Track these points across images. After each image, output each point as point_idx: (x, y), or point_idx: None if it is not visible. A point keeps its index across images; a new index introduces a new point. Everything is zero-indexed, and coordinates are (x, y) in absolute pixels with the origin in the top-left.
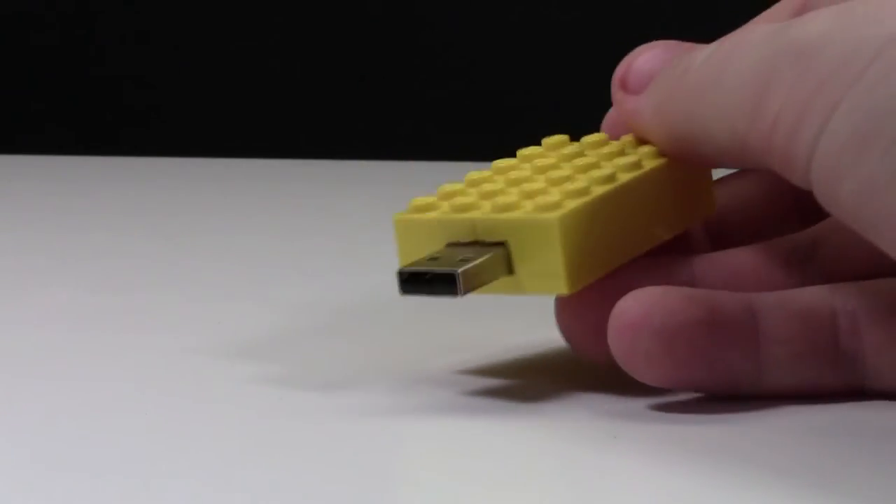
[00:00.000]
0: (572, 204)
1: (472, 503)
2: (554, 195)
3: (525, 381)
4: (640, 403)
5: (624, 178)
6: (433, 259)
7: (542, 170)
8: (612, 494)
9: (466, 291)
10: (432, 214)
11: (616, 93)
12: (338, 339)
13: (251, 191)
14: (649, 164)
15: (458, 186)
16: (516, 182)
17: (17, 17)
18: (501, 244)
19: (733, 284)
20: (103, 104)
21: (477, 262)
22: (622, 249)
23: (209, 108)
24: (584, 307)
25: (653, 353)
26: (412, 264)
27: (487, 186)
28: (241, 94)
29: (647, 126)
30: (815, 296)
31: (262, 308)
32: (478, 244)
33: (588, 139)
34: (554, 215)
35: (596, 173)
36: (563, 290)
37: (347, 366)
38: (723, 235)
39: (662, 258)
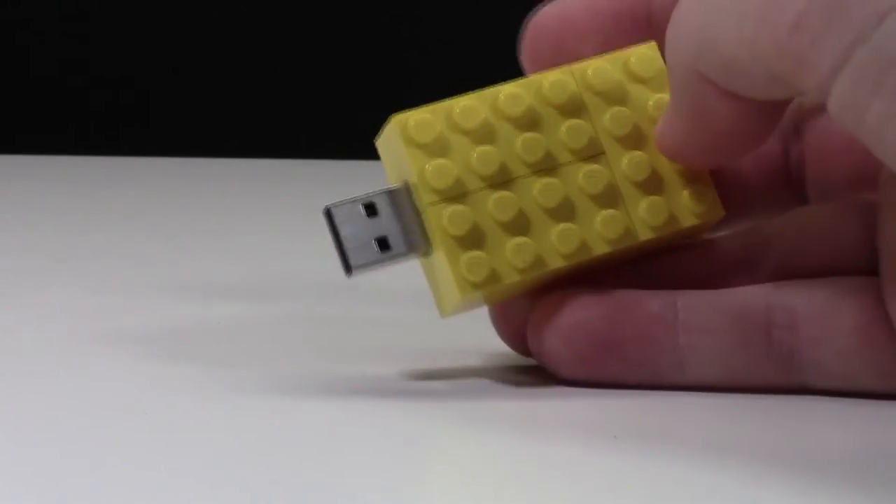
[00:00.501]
0: (494, 285)
1: None
2: (496, 250)
3: (524, 380)
4: (639, 403)
5: (579, 256)
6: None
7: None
8: (612, 494)
9: (355, 273)
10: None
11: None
12: (338, 339)
13: (251, 191)
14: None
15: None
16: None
17: (17, 18)
18: (424, 244)
19: (682, 282)
20: (103, 104)
21: (376, 264)
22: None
23: (209, 109)
24: (512, 310)
25: (556, 350)
26: (340, 207)
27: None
28: (241, 94)
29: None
30: (748, 292)
31: (262, 308)
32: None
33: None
34: (460, 295)
35: (567, 239)
36: (441, 314)
37: (353, 367)
38: None
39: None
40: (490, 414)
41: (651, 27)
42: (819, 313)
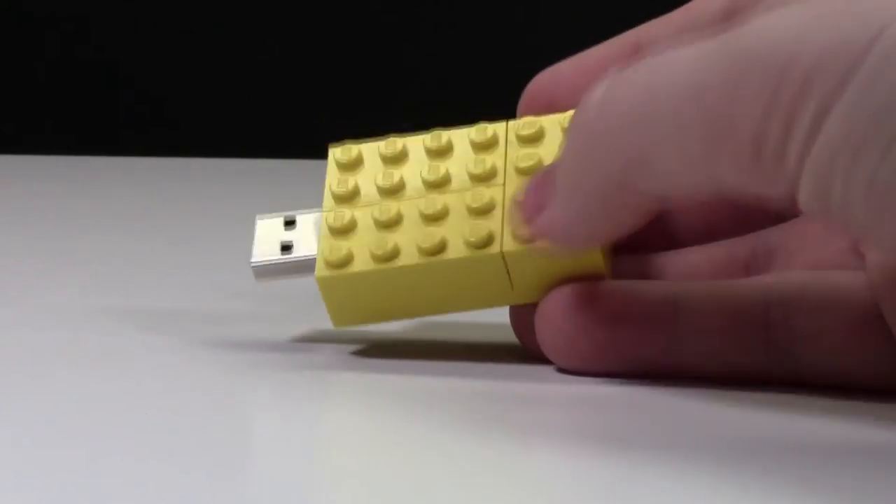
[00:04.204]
0: (351, 268)
1: None
2: (362, 241)
3: (522, 378)
4: (638, 403)
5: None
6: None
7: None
8: (612, 494)
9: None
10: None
11: (520, 231)
12: (339, 340)
13: (251, 191)
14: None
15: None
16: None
17: (16, 18)
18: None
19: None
20: (103, 104)
21: (276, 262)
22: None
23: (209, 109)
24: (526, 311)
25: (555, 341)
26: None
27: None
28: (241, 94)
29: (568, 219)
30: (746, 286)
31: (262, 308)
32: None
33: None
34: (316, 275)
35: (428, 234)
36: (333, 324)
37: (353, 366)
38: (678, 234)
39: (617, 257)
40: (490, 415)
41: None
42: (815, 308)
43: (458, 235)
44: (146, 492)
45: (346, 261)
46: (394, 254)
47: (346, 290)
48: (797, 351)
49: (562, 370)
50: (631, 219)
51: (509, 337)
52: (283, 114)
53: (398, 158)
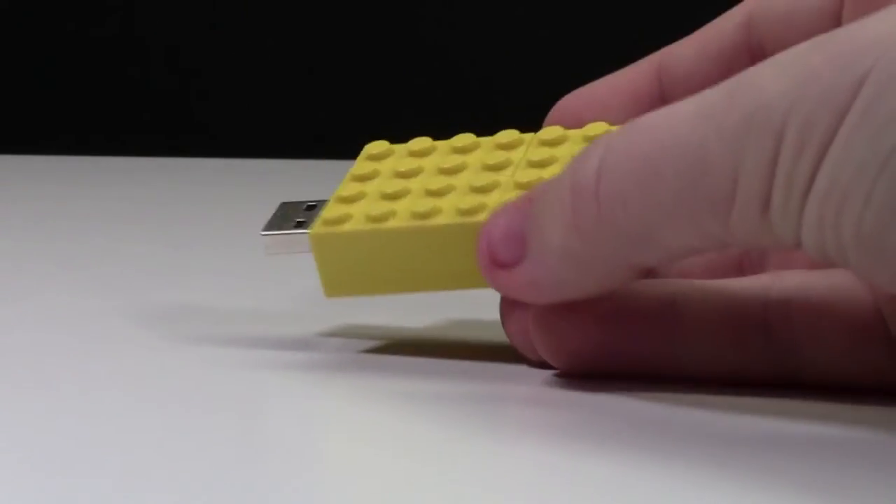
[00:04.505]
0: (344, 227)
1: None
2: (363, 208)
3: (521, 378)
4: (637, 402)
5: (422, 221)
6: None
7: (407, 174)
8: (613, 494)
9: (270, 254)
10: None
11: (494, 277)
12: (340, 338)
13: (251, 191)
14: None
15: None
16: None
17: (16, 18)
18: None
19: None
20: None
21: (281, 233)
22: (413, 281)
23: (209, 109)
24: (518, 311)
25: (553, 345)
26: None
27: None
28: (241, 94)
29: (557, 281)
30: (746, 285)
31: (262, 308)
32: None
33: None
34: (310, 231)
35: (419, 200)
36: (324, 294)
37: (354, 366)
38: None
39: None
40: (490, 417)
41: (664, 102)
42: (815, 308)
43: (452, 206)
44: (147, 491)
45: (342, 220)
46: (387, 216)
47: (337, 250)
48: (797, 351)
49: (558, 372)
50: (620, 284)
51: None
52: (286, 114)
53: (424, 153)
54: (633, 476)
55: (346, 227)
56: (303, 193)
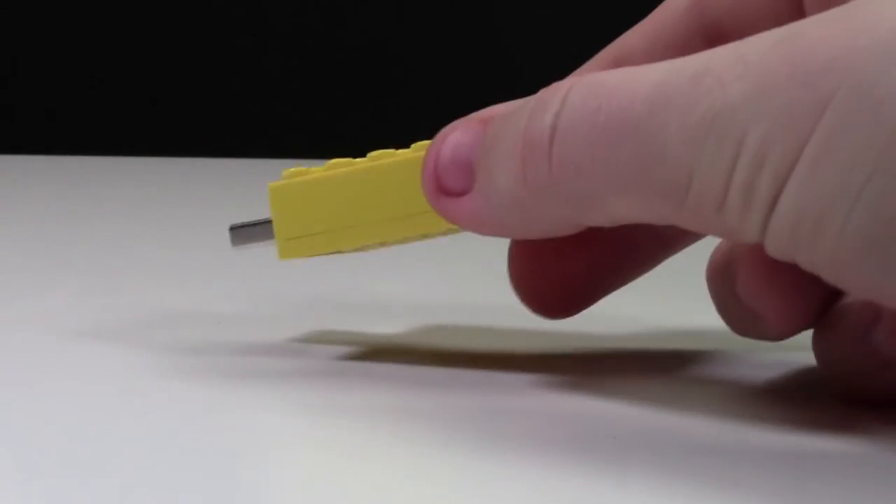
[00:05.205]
0: (303, 178)
1: None
2: (321, 169)
3: (521, 378)
4: (636, 401)
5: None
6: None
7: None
8: (612, 494)
9: (238, 245)
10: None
11: (439, 203)
12: (340, 338)
13: (251, 191)
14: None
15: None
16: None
17: (15, 19)
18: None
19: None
20: (103, 104)
21: (252, 223)
22: (369, 231)
23: (208, 109)
24: (530, 260)
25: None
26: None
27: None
28: (240, 94)
29: (501, 221)
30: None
31: (262, 307)
32: None
33: None
34: (269, 185)
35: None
36: (278, 255)
37: (353, 367)
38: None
39: None
40: (486, 412)
41: None
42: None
43: (408, 152)
44: (143, 494)
45: (302, 174)
46: (346, 165)
47: (295, 201)
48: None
49: (542, 379)
50: (564, 234)
51: (506, 343)
52: (283, 114)
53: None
54: (623, 488)
55: (308, 176)
56: None
